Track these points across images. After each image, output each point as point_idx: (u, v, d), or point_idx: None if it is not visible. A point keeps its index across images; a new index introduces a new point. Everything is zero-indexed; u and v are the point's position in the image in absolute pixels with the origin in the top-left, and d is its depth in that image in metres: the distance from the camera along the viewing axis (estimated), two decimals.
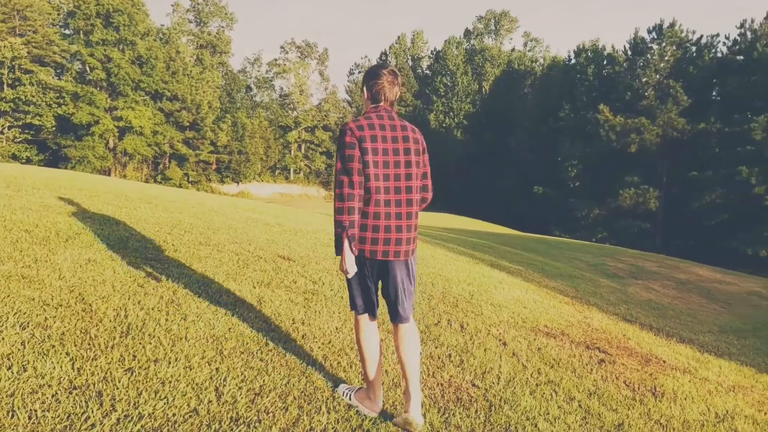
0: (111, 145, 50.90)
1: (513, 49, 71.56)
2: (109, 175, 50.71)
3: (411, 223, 2.63)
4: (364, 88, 2.73)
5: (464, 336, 4.27)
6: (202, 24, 65.12)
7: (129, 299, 3.39)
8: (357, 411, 2.71)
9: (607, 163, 42.29)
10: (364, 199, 2.52)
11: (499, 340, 4.41)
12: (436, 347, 3.85)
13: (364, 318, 2.69)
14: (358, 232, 2.52)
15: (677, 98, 37.05)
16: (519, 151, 53.28)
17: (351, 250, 2.48)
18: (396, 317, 2.69)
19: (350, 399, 2.79)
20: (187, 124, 54.78)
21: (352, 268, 2.51)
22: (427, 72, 76.26)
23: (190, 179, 55.88)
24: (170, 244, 5.00)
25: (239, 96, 67.95)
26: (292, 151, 71.05)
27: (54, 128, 47.32)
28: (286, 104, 73.86)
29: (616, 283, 11.34)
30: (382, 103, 2.68)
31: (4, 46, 43.55)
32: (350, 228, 2.46)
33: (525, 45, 75.04)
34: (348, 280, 2.66)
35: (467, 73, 67.49)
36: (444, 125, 62.70)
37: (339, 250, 2.51)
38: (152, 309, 3.30)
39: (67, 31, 51.98)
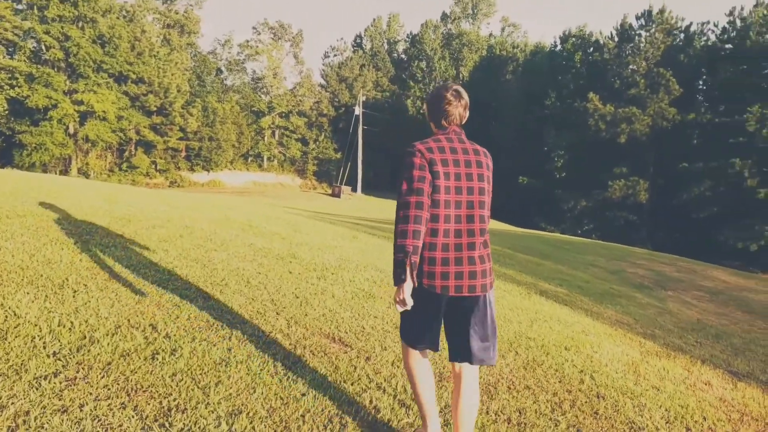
0: (71, 131, 47.34)
1: (490, 35, 69.92)
2: (69, 163, 47.48)
3: (484, 254, 2.38)
4: (428, 112, 2.54)
5: None
6: (168, 2, 61.31)
7: None
8: None
9: (595, 153, 41.15)
10: (431, 228, 2.26)
11: None
12: None
13: (418, 351, 2.43)
14: (428, 266, 2.27)
15: (669, 87, 35.99)
16: (502, 140, 51.77)
17: (412, 278, 2.20)
18: (459, 355, 2.39)
19: None
20: (155, 108, 51.45)
21: (409, 301, 2.20)
22: (403, 56, 74.26)
23: (158, 167, 52.79)
24: (163, 334, 3.15)
25: (209, 79, 64.59)
26: (266, 138, 68.04)
27: (6, 112, 43.54)
28: (259, 88, 70.61)
29: (652, 298, 10.46)
30: (450, 126, 2.46)
31: None
32: (413, 254, 2.19)
33: (503, 30, 73.33)
34: (407, 314, 2.36)
35: (445, 58, 65.73)
36: (422, 112, 60.78)
37: (399, 279, 2.19)
38: None
39: (19, 6, 47.59)
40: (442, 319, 2.37)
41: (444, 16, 73.52)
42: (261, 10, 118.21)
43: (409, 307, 2.21)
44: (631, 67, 40.22)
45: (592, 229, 41.63)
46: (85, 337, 2.89)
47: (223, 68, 69.30)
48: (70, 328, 2.96)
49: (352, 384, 3.02)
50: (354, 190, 56.62)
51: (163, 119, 52.16)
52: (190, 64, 60.25)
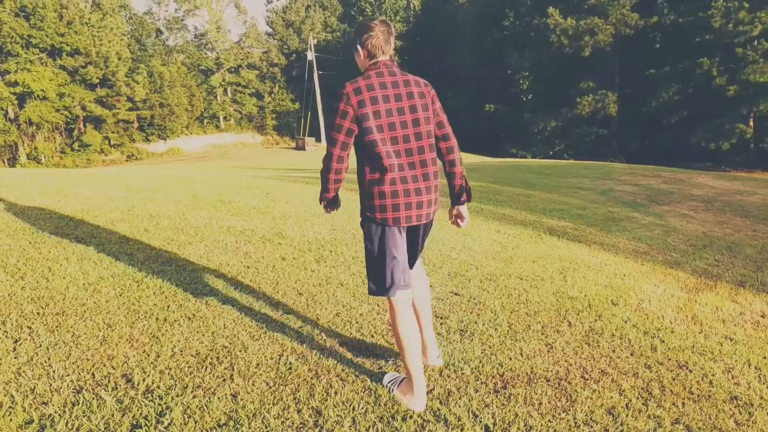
0: (11, 115, 44.35)
1: None
2: (16, 150, 44.74)
3: (431, 184, 2.43)
4: (358, 47, 2.45)
5: None
6: None
7: None
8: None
9: (560, 70, 40.24)
10: (376, 166, 2.34)
11: None
12: None
13: (401, 297, 2.45)
14: (378, 200, 2.35)
15: None
16: (462, 68, 50.33)
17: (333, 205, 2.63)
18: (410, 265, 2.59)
19: (393, 392, 2.53)
20: (97, 80, 48.27)
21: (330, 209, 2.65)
22: None
23: (112, 143, 50.16)
24: (142, 389, 2.35)
25: (150, 42, 60.84)
26: (219, 97, 65.08)
27: None
28: (204, 45, 66.95)
29: (651, 215, 10.09)
30: (380, 59, 2.43)
31: None
32: (326, 196, 2.54)
33: None
34: (375, 259, 2.44)
35: None
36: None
37: (321, 203, 2.61)
38: None
39: None
40: (404, 250, 2.46)
41: None
42: None
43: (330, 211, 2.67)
44: None
45: (563, 149, 41.32)
46: (32, 422, 2.08)
47: (162, 28, 65.32)
48: (9, 410, 2.14)
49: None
50: (318, 140, 54.99)
51: (108, 91, 49.17)
52: (127, 27, 56.48)
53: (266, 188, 9.30)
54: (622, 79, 39.69)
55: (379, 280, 2.43)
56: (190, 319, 3.16)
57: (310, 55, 55.53)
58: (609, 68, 39.13)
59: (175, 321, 3.11)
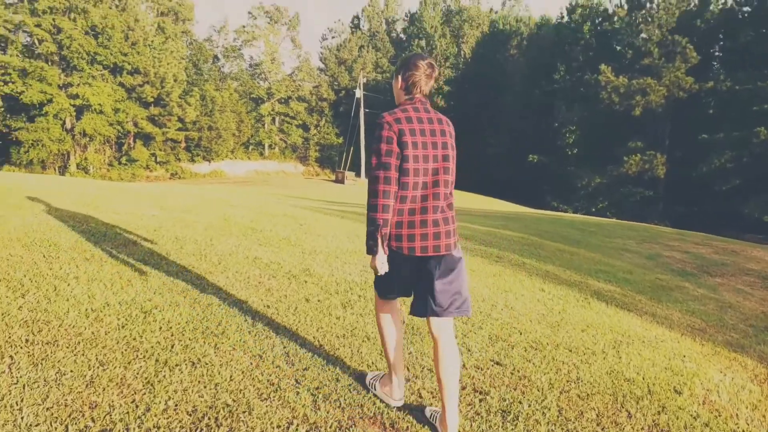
0: (68, 125, 46.07)
1: (491, 10, 67.82)
2: (68, 159, 46.29)
3: (448, 215, 2.49)
4: (399, 78, 2.56)
5: None
6: None
7: None
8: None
9: (609, 127, 39.55)
10: (401, 195, 2.38)
11: None
12: None
13: (391, 302, 2.63)
14: (395, 230, 2.40)
15: (685, 55, 34.26)
16: (510, 117, 50.14)
17: (383, 249, 2.38)
18: (426, 310, 2.49)
19: (375, 389, 2.73)
20: (152, 99, 49.98)
21: (382, 267, 2.39)
22: (402, 36, 72.26)
23: (158, 160, 51.47)
24: None
25: (206, 67, 62.96)
26: (266, 125, 66.52)
27: (2, 109, 42.27)
28: (257, 74, 68.94)
29: (703, 287, 9.27)
30: (417, 95, 2.53)
31: None
32: (384, 227, 2.36)
33: (503, 5, 71.06)
34: (381, 276, 2.49)
35: (445, 35, 63.86)
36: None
37: (371, 250, 2.37)
38: None
39: (9, 0, 46.15)
40: (413, 276, 2.49)
41: None
42: None
43: (383, 273, 2.39)
44: (642, 35, 38.48)
45: (606, 207, 40.22)
46: None
47: (219, 55, 67.64)
48: None
49: None
50: (358, 175, 55.23)
51: (160, 110, 50.77)
52: (186, 52, 58.65)
53: (300, 218, 9.00)
54: (672, 142, 38.70)
55: (380, 287, 2.59)
56: (194, 364, 2.77)
57: (359, 93, 56.36)
58: (659, 129, 38.24)
59: (177, 366, 2.72)
